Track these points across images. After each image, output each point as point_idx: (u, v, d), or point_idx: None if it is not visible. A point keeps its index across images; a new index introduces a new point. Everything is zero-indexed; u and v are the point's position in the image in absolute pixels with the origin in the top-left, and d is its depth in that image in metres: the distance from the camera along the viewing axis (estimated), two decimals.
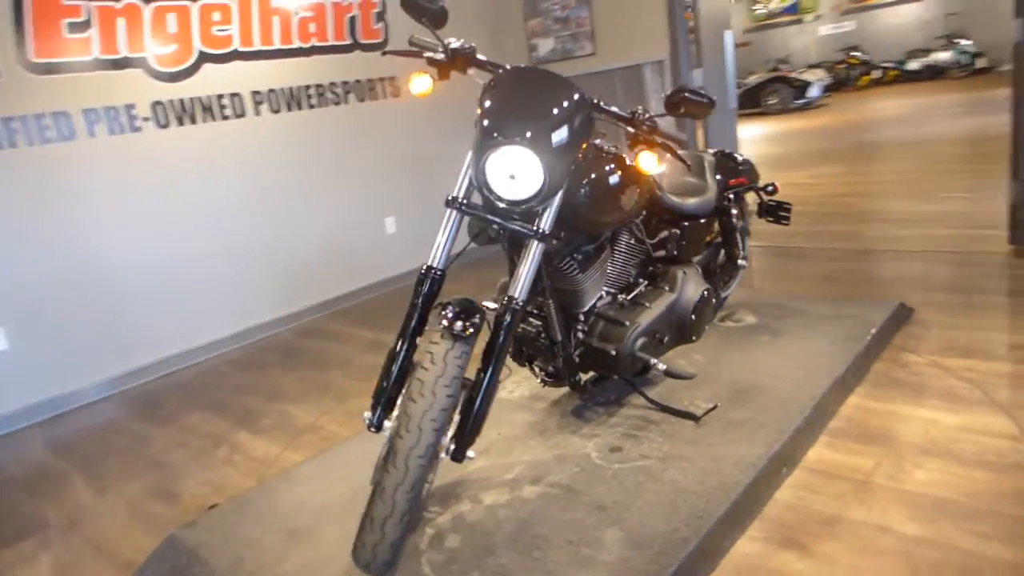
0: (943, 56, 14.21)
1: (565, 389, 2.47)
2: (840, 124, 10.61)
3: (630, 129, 1.74)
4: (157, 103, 3.57)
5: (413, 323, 1.70)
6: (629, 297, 2.20)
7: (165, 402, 3.37)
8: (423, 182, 4.82)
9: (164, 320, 3.70)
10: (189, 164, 3.72)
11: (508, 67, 1.72)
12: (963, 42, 14.04)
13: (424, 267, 1.71)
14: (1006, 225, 3.58)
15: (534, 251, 1.66)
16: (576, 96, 1.62)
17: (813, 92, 12.98)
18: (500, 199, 1.57)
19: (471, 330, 1.52)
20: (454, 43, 1.78)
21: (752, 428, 2.10)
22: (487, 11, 5.04)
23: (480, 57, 1.80)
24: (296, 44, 4.09)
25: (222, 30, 3.76)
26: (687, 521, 1.71)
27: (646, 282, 2.28)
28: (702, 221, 2.45)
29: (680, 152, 1.77)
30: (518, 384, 2.63)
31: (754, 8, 17.51)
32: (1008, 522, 1.68)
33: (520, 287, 1.65)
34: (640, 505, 1.80)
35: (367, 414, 1.72)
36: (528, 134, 1.51)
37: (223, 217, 3.87)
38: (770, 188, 2.77)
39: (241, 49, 3.85)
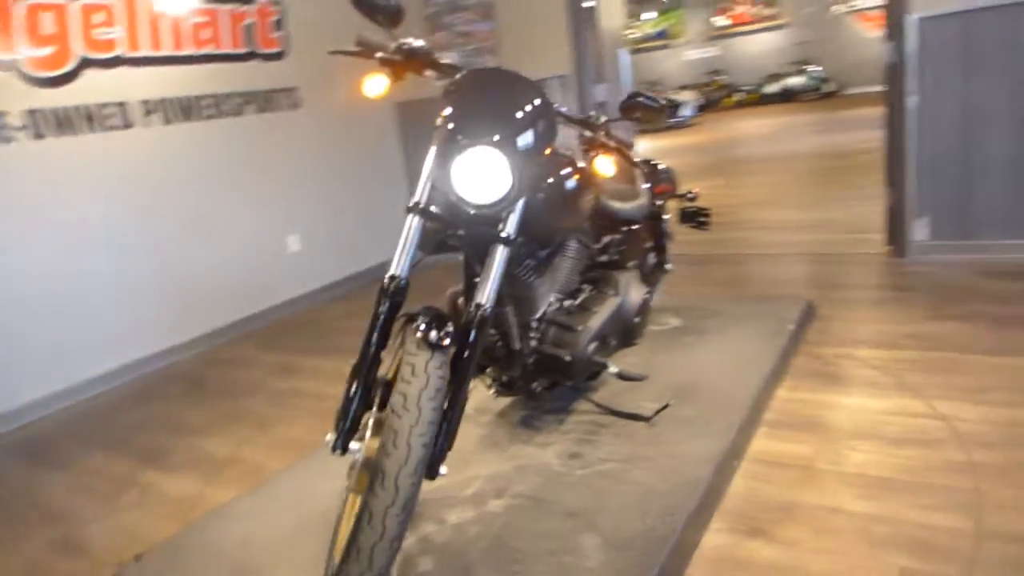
0: (795, 80, 15.61)
1: (509, 400, 2.43)
2: (714, 141, 11.37)
3: (587, 132, 1.75)
4: (33, 111, 3.20)
5: (376, 336, 1.61)
6: (576, 303, 2.21)
7: (54, 444, 3.00)
8: (331, 198, 4.64)
9: (43, 353, 3.30)
10: (71, 179, 3.36)
11: (467, 69, 1.68)
12: (812, 68, 15.50)
13: (387, 277, 1.62)
14: (883, 228, 3.95)
15: (500, 256, 1.62)
16: (541, 99, 1.60)
17: (686, 111, 13.82)
18: (467, 203, 1.52)
19: (447, 340, 1.46)
20: (412, 42, 1.72)
21: (701, 425, 2.16)
22: None
23: (438, 58, 1.75)
24: (189, 51, 3.82)
25: (106, 33, 3.44)
26: (661, 519, 1.72)
27: (590, 287, 2.30)
28: (638, 227, 2.51)
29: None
30: None
31: (626, 33, 18.47)
32: (945, 492, 1.83)
33: (487, 293, 1.60)
34: (611, 508, 1.80)
35: (329, 436, 1.60)
36: (496, 136, 1.48)
37: (108, 237, 3.53)
38: (691, 195, 2.89)
39: (128, 54, 3.55)
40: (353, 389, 1.58)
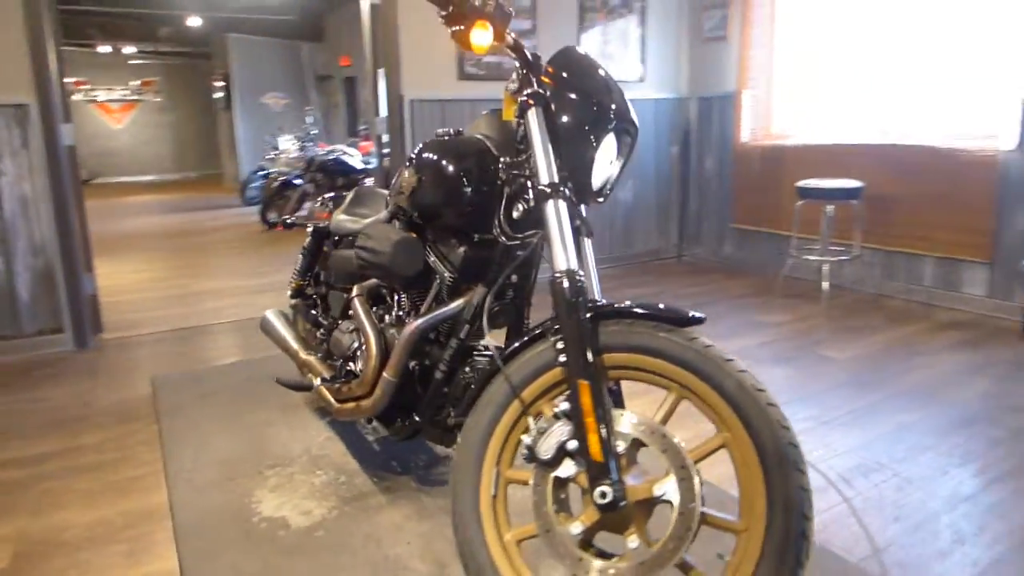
0: None
1: None
2: None
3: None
4: None
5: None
6: None
7: None
8: None
9: None
10: None
11: (565, 47, 1.46)
12: None
13: (562, 270, 1.28)
14: None
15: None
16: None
17: None
18: (591, 187, 1.41)
19: None
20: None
21: None
22: None
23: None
24: None
25: None
26: None
27: None
28: None
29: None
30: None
31: None
32: None
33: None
34: None
35: None
36: (631, 123, 1.44)
37: None
38: None
39: None
40: None
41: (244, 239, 7.14)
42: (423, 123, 4.31)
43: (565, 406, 1.23)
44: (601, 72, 1.42)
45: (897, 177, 4.02)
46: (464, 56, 4.37)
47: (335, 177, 8.20)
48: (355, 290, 1.85)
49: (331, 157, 8.13)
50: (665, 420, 1.22)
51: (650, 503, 1.19)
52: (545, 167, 1.32)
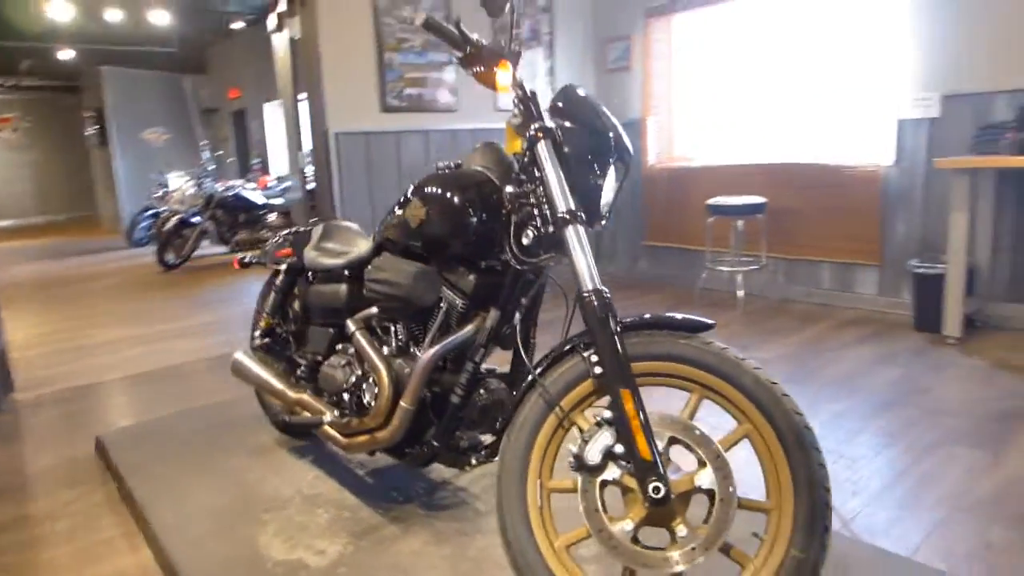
0: None
1: None
2: None
3: None
4: None
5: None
6: None
7: None
8: None
9: None
10: None
11: (565, 85, 1.58)
12: None
13: (590, 289, 1.38)
14: None
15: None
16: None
17: None
18: (600, 212, 1.53)
19: None
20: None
21: None
22: None
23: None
24: None
25: None
26: None
27: None
28: None
29: None
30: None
31: None
32: None
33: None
34: None
35: None
36: (627, 145, 1.56)
37: None
38: None
39: None
40: None
41: (142, 283, 6.74)
42: (348, 155, 4.31)
43: (606, 414, 1.33)
44: (600, 107, 1.56)
45: (795, 192, 4.46)
46: (386, 89, 4.42)
47: (236, 213, 7.92)
48: (352, 324, 1.87)
49: (231, 193, 7.86)
50: (691, 418, 1.36)
51: (690, 494, 1.31)
52: (560, 195, 1.43)
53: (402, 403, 1.66)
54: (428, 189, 1.66)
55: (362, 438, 1.76)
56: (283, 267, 2.28)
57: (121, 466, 2.30)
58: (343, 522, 1.86)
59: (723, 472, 1.29)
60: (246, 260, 2.53)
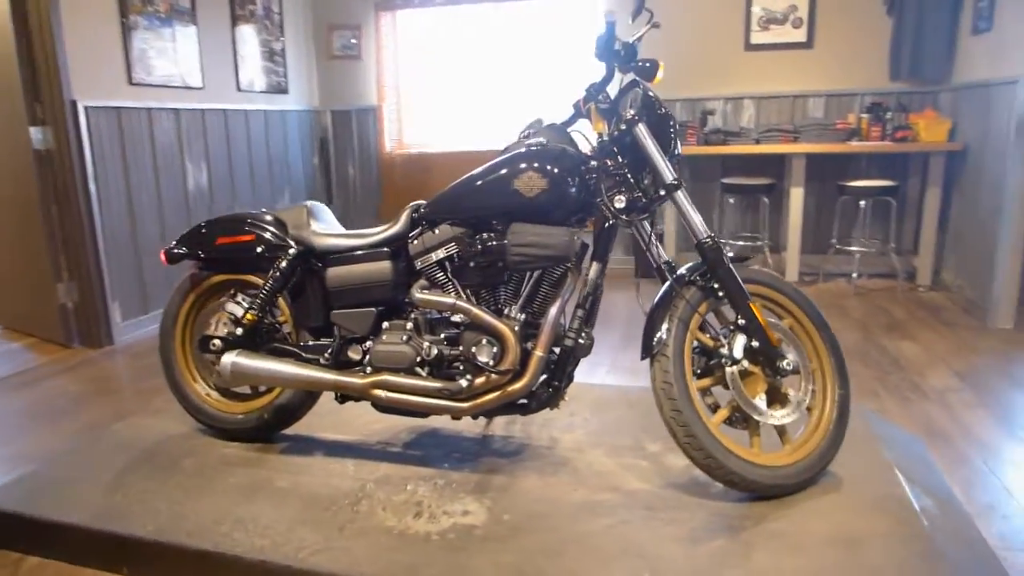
0: None
1: None
2: None
3: None
4: None
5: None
6: None
7: None
8: None
9: None
10: None
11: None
12: None
13: (707, 235, 1.86)
14: (59, 326, 3.64)
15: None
16: None
17: None
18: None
19: None
20: None
21: None
22: None
23: None
24: None
25: None
26: None
27: None
28: None
29: None
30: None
31: None
32: None
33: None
34: None
35: None
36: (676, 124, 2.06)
37: None
38: None
39: None
40: None
41: None
42: (99, 132, 3.60)
43: (740, 322, 1.85)
44: (660, 99, 2.01)
45: None
46: (132, 61, 3.78)
47: None
48: (420, 294, 1.96)
49: None
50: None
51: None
52: (665, 167, 1.87)
53: (537, 352, 1.85)
54: (545, 162, 1.86)
55: (489, 396, 1.87)
56: (292, 251, 2.11)
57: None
58: (441, 488, 1.92)
59: (802, 352, 1.94)
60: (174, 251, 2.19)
